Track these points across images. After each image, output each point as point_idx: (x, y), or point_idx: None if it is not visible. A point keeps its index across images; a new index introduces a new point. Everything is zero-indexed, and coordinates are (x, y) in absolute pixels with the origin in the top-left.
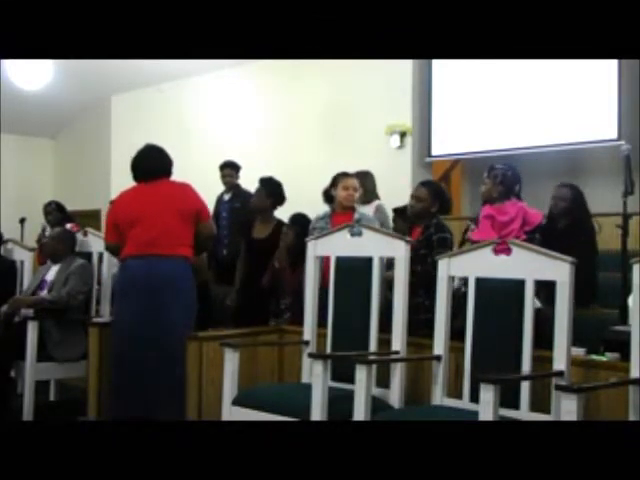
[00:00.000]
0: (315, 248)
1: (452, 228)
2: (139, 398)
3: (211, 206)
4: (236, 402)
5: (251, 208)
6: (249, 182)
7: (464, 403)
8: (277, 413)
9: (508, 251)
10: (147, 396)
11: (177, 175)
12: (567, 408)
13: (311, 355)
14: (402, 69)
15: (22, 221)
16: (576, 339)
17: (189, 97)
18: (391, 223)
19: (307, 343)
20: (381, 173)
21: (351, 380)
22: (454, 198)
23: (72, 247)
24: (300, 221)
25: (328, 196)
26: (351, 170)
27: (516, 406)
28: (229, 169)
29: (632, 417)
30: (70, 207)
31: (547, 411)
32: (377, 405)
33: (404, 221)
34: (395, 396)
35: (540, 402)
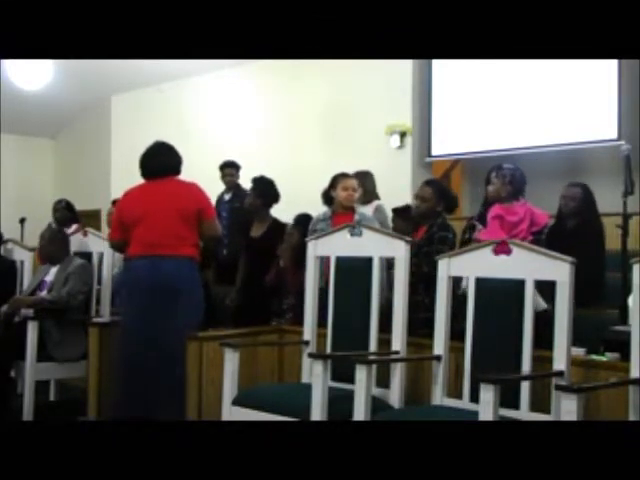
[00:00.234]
0: (315, 248)
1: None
2: (142, 398)
3: None
4: (236, 402)
5: (245, 208)
6: (249, 182)
7: (464, 403)
8: (277, 413)
9: (508, 251)
10: (149, 396)
11: None
12: (567, 408)
13: (311, 355)
14: (402, 69)
15: (22, 221)
16: (576, 339)
17: (189, 97)
18: (390, 223)
19: (307, 343)
20: (381, 173)
21: (351, 380)
22: None
23: (66, 247)
24: (305, 221)
25: (327, 197)
26: (351, 170)
27: (516, 406)
28: (230, 169)
29: (632, 417)
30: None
31: (547, 411)
32: (377, 405)
33: (403, 221)
34: (395, 396)
35: (540, 402)
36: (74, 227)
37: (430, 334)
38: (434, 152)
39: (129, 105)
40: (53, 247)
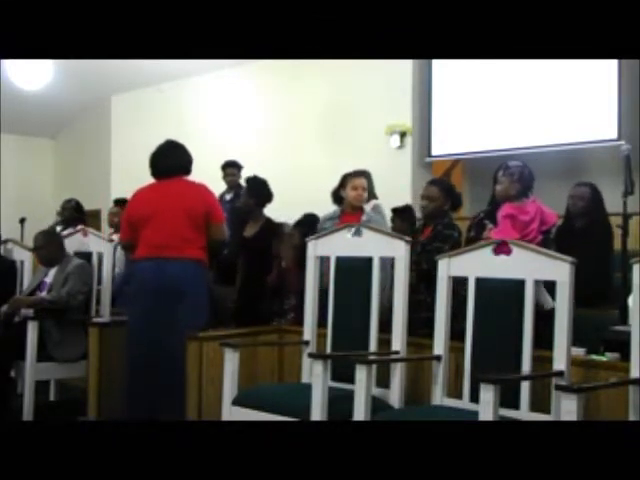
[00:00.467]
0: (315, 248)
1: None
2: (145, 398)
3: None
4: (236, 402)
5: (239, 208)
6: None
7: (464, 403)
8: (277, 413)
9: (508, 251)
10: (151, 396)
11: None
12: (567, 408)
13: (311, 355)
14: (402, 69)
15: (22, 221)
16: (576, 339)
17: (189, 97)
18: (389, 223)
19: (307, 343)
20: (381, 173)
21: (351, 380)
22: None
23: (61, 247)
24: (308, 221)
25: (337, 197)
26: (350, 170)
27: (516, 406)
28: (231, 168)
29: (632, 417)
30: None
31: (547, 411)
32: (377, 405)
33: (403, 221)
34: (395, 396)
35: (540, 402)
36: (79, 227)
37: (431, 334)
38: (434, 152)
39: (129, 105)
40: (48, 250)
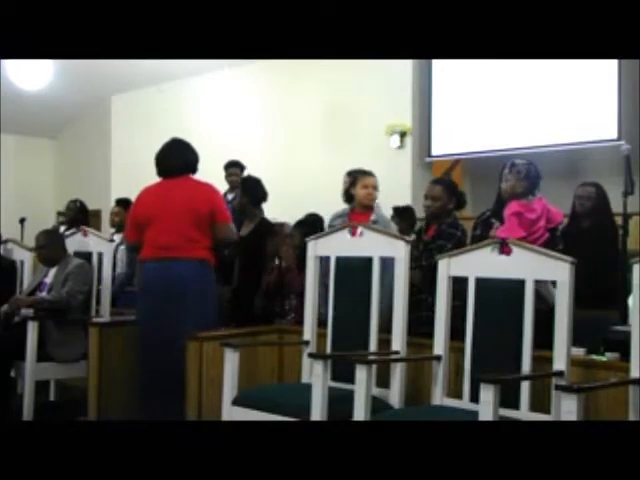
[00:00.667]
0: (315, 248)
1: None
2: (152, 398)
3: None
4: (236, 402)
5: (234, 208)
6: None
7: (464, 403)
8: (277, 413)
9: (508, 251)
10: (156, 396)
11: None
12: (567, 408)
13: (311, 355)
14: (402, 69)
15: (22, 221)
16: (576, 339)
17: (189, 97)
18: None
19: (307, 343)
20: (381, 173)
21: (351, 380)
22: None
23: (63, 247)
24: (311, 221)
25: (348, 195)
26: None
27: (516, 406)
28: (234, 168)
29: (632, 417)
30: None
31: (547, 411)
32: (377, 405)
33: (403, 221)
34: (395, 396)
35: (540, 402)
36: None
37: (431, 333)
38: (434, 152)
39: (129, 105)
40: (50, 250)
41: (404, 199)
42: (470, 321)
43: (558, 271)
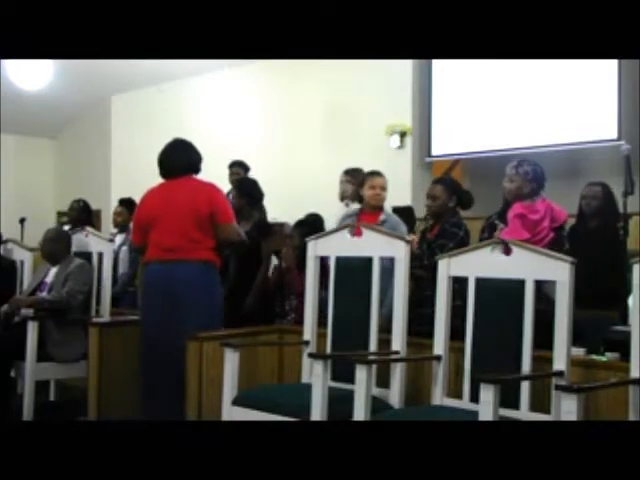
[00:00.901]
0: (315, 248)
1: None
2: (153, 398)
3: None
4: (236, 402)
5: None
6: None
7: (464, 403)
8: (277, 413)
9: (508, 251)
10: (157, 396)
11: None
12: (567, 408)
13: (311, 355)
14: (402, 69)
15: (22, 221)
16: (576, 339)
17: (189, 97)
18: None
19: (307, 343)
20: None
21: (351, 380)
22: None
23: (68, 247)
24: (311, 221)
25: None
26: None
27: (516, 406)
28: (237, 168)
29: (632, 417)
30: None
31: (547, 411)
32: (377, 405)
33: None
34: (395, 396)
35: (540, 402)
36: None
37: (433, 331)
38: (434, 152)
39: (129, 105)
40: (56, 246)
41: (404, 199)
42: (470, 321)
43: (558, 271)
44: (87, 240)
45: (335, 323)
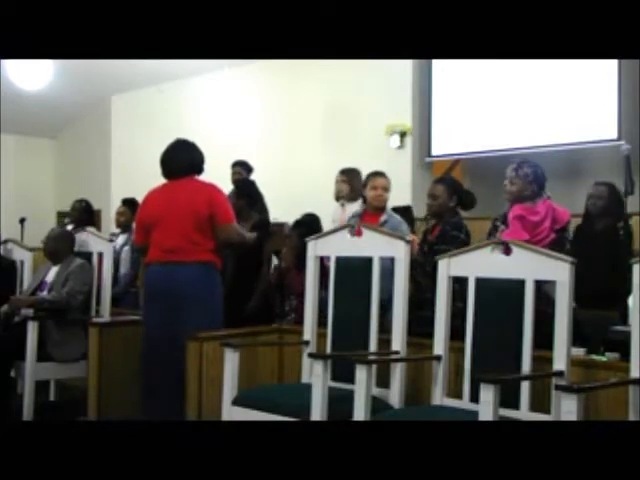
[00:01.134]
0: (315, 248)
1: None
2: (153, 398)
3: None
4: (236, 402)
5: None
6: None
7: (464, 403)
8: (277, 413)
9: (508, 251)
10: (156, 396)
11: None
12: (567, 408)
13: (311, 355)
14: (402, 69)
15: (22, 221)
16: (576, 339)
17: (189, 97)
18: None
19: (307, 343)
20: None
21: (351, 380)
22: None
23: (71, 247)
24: (308, 221)
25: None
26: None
27: (516, 406)
28: (237, 167)
29: (632, 417)
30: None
31: (547, 411)
32: (377, 405)
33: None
34: (395, 396)
35: (540, 402)
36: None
37: (433, 333)
38: (434, 152)
39: (129, 105)
40: (59, 245)
41: (404, 199)
42: (470, 321)
43: (558, 271)
44: (87, 240)
45: (335, 323)
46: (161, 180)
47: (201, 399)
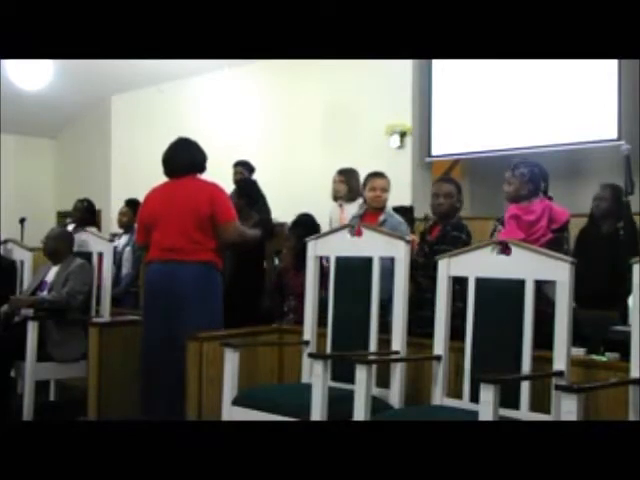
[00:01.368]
0: (315, 248)
1: None
2: (153, 398)
3: None
4: (236, 402)
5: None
6: None
7: (464, 403)
8: (277, 413)
9: (508, 251)
10: (157, 396)
11: None
12: (567, 408)
13: (311, 355)
14: (402, 69)
15: (22, 221)
16: (576, 339)
17: (189, 97)
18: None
19: (307, 343)
20: None
21: (351, 380)
22: None
23: (71, 247)
24: (304, 221)
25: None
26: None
27: (516, 406)
28: (240, 167)
29: (632, 417)
30: (70, 207)
31: (547, 411)
32: (377, 405)
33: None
34: (395, 396)
35: (540, 402)
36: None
37: (433, 333)
38: (434, 152)
39: (129, 105)
40: (59, 244)
41: (404, 199)
42: (470, 321)
43: (558, 271)
44: (87, 240)
45: (335, 323)
46: (161, 180)
47: (201, 399)
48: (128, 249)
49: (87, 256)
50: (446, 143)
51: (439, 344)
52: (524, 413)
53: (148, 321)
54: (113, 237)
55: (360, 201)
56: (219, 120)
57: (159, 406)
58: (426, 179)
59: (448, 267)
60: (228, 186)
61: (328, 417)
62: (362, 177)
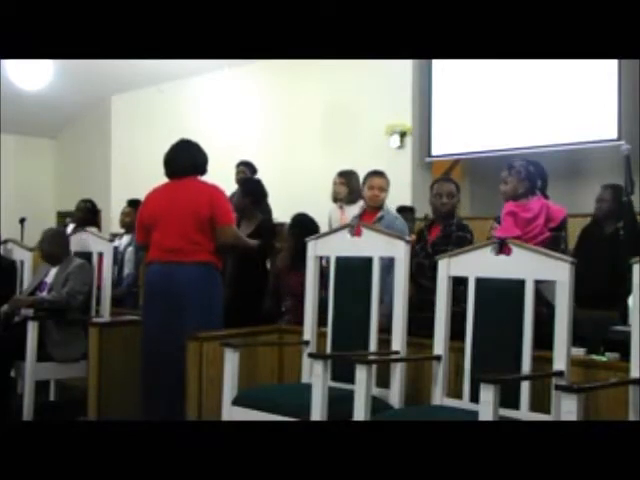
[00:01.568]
0: (315, 248)
1: None
2: (152, 398)
3: None
4: (236, 402)
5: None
6: None
7: (464, 403)
8: (277, 413)
9: (508, 251)
10: (156, 396)
11: None
12: (567, 408)
13: (311, 355)
14: (402, 69)
15: (22, 221)
16: (576, 339)
17: (189, 97)
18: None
19: (307, 343)
20: None
21: (351, 380)
22: None
23: (66, 248)
24: (301, 221)
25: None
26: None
27: (516, 406)
28: (243, 167)
29: (632, 417)
30: (70, 207)
31: (547, 411)
32: (377, 405)
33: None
34: (395, 396)
35: (540, 402)
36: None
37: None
38: (434, 152)
39: (129, 105)
40: (54, 247)
41: (404, 199)
42: (470, 321)
43: (558, 271)
44: (87, 240)
45: (335, 323)
46: (162, 180)
47: (201, 399)
48: (130, 249)
49: (87, 256)
50: (446, 143)
51: (439, 344)
52: (524, 413)
53: (148, 321)
54: (113, 237)
55: (362, 203)
56: (219, 120)
57: (159, 406)
58: (426, 179)
59: (448, 267)
60: (227, 186)
61: (328, 417)
62: (362, 178)
